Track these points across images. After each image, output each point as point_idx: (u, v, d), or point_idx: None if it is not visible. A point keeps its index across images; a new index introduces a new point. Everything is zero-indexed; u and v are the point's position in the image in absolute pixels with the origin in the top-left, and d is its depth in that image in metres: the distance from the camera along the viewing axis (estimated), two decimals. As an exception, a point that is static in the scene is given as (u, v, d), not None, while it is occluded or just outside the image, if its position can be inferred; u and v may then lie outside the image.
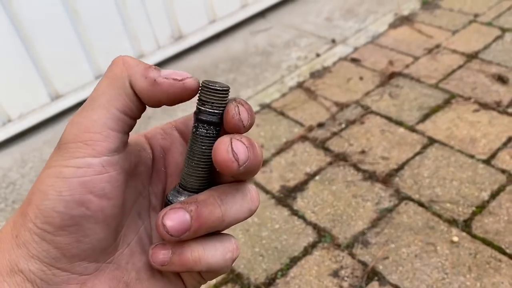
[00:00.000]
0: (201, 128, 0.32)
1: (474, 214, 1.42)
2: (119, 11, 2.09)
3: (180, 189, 0.33)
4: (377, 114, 1.84)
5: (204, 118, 0.32)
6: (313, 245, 1.42)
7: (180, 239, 0.31)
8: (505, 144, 1.61)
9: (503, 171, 1.52)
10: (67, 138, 0.31)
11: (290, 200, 1.56)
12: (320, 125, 1.84)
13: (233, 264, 1.36)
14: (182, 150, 0.37)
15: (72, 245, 0.30)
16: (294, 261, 1.39)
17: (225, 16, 2.46)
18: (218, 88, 0.31)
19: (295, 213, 1.53)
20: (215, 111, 0.32)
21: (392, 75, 2.02)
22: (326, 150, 1.73)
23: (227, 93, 0.32)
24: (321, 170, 1.65)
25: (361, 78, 2.05)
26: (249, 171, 0.31)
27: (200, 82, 0.32)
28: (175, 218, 0.31)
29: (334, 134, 1.79)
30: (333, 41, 2.34)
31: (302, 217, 1.51)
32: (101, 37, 2.08)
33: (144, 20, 2.17)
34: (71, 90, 2.08)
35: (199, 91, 0.32)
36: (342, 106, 1.91)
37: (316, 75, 2.12)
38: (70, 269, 0.31)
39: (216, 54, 2.40)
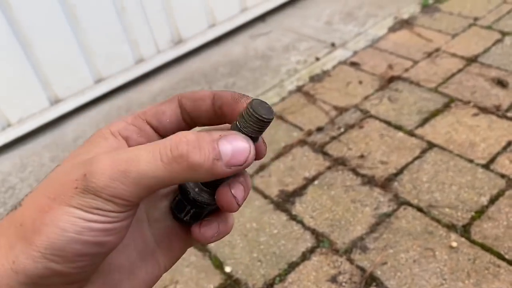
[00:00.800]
0: None
1: (473, 219, 1.42)
2: (118, 16, 2.09)
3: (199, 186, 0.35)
4: (376, 118, 1.84)
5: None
6: (311, 250, 1.42)
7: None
8: (504, 149, 1.61)
9: (503, 176, 1.52)
10: (99, 180, 0.29)
11: (288, 205, 1.56)
12: (319, 129, 1.83)
13: (231, 270, 1.36)
14: None
15: (75, 274, 0.30)
16: (292, 266, 1.39)
17: (224, 20, 2.46)
18: (266, 119, 0.31)
19: (293, 218, 1.52)
20: (257, 136, 0.33)
21: (392, 79, 2.02)
22: (325, 154, 1.72)
23: (269, 124, 0.32)
24: (319, 174, 1.65)
25: (360, 82, 2.05)
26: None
27: (251, 102, 0.32)
28: (239, 190, 0.33)
29: (333, 138, 1.78)
30: (333, 45, 2.34)
31: (300, 222, 1.50)
32: (100, 41, 2.08)
33: (143, 25, 2.18)
34: (71, 94, 2.09)
35: (245, 114, 0.32)
36: (341, 110, 1.91)
37: (315, 79, 2.12)
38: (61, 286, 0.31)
39: (215, 58, 2.40)
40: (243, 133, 0.32)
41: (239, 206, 0.34)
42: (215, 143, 0.30)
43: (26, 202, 0.32)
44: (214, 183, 0.34)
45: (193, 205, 0.35)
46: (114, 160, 0.29)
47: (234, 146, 0.31)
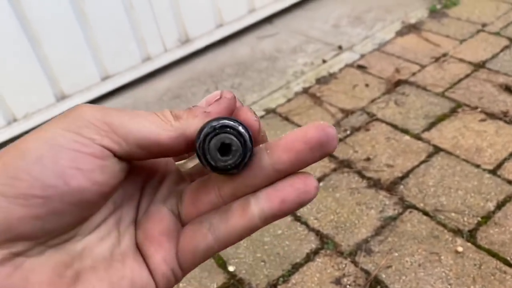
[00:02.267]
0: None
1: (479, 224, 1.41)
2: (127, 14, 2.09)
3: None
4: (382, 121, 1.83)
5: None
6: (315, 252, 1.41)
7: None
8: (511, 155, 1.60)
9: (510, 182, 1.51)
10: (84, 112, 0.27)
11: (293, 206, 1.55)
12: (325, 131, 1.82)
13: (234, 269, 1.35)
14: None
15: (27, 221, 0.26)
16: (296, 267, 1.38)
17: (232, 20, 2.46)
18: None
19: (298, 219, 1.51)
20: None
21: (398, 83, 2.02)
22: (331, 156, 1.71)
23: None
24: (325, 176, 1.64)
25: (367, 85, 2.04)
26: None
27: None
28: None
29: (339, 140, 1.78)
30: (340, 47, 2.33)
31: (305, 223, 1.50)
32: (108, 39, 2.08)
33: (151, 23, 2.18)
34: (77, 91, 2.09)
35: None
36: (347, 113, 1.90)
37: (322, 81, 2.12)
38: (8, 248, 0.26)
39: (222, 58, 2.40)
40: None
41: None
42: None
43: None
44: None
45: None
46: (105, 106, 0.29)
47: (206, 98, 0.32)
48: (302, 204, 0.30)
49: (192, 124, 0.30)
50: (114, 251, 0.31)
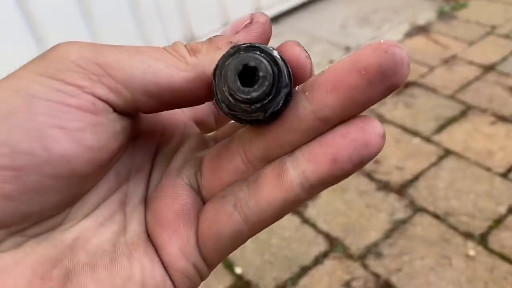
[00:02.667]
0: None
1: (490, 228, 1.38)
2: (132, 12, 2.07)
3: None
4: (391, 123, 1.81)
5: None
6: (324, 255, 1.39)
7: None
8: (523, 158, 1.58)
9: (521, 186, 1.49)
10: (68, 53, 0.21)
11: (301, 208, 1.53)
12: (333, 132, 1.81)
13: (241, 271, 1.33)
14: None
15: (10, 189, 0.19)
16: (304, 270, 1.36)
17: (238, 20, 2.44)
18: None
19: (306, 221, 1.49)
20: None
21: (407, 85, 1.99)
22: (339, 158, 1.69)
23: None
24: (333, 178, 1.62)
25: (375, 87, 2.02)
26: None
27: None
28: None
29: (347, 142, 1.75)
30: (347, 48, 2.31)
31: (313, 226, 1.47)
32: (113, 37, 2.06)
33: (157, 22, 2.16)
34: (82, 89, 2.07)
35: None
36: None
37: (329, 82, 2.10)
38: None
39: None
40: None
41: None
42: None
43: None
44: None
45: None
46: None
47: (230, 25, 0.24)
48: (362, 161, 0.21)
49: (214, 60, 0.22)
50: (117, 242, 0.23)
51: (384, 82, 0.20)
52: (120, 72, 0.20)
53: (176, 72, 0.22)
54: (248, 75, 0.20)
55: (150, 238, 0.24)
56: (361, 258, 1.36)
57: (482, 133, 1.70)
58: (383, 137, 0.22)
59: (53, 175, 0.19)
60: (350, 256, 1.37)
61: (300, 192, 0.22)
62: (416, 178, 1.57)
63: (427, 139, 1.71)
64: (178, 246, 0.24)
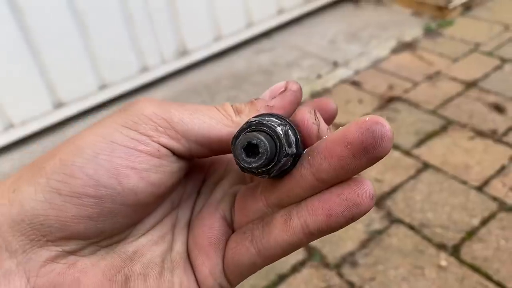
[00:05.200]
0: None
1: (463, 239, 1.43)
2: (126, 25, 2.13)
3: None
4: (373, 136, 1.86)
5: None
6: (302, 263, 1.43)
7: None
8: (498, 172, 1.62)
9: (495, 199, 1.53)
10: (144, 109, 0.27)
11: (282, 217, 1.57)
12: (317, 145, 1.85)
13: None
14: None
15: (80, 220, 0.25)
16: (282, 278, 1.40)
17: (230, 34, 2.50)
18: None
19: (286, 230, 1.53)
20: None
21: (391, 99, 2.05)
22: (321, 169, 1.74)
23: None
24: (314, 189, 1.66)
25: (360, 101, 2.07)
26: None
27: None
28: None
29: (330, 154, 1.80)
30: (335, 63, 2.37)
31: (292, 235, 1.51)
32: (106, 48, 2.12)
33: (150, 35, 2.22)
34: (74, 99, 2.12)
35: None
36: (339, 127, 1.93)
37: (316, 95, 2.15)
38: (63, 245, 0.26)
39: (219, 70, 2.44)
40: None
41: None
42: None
43: None
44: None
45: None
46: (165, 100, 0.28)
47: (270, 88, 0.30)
48: (353, 218, 0.26)
49: None
50: (165, 258, 0.30)
51: (367, 155, 0.25)
52: (182, 126, 0.27)
53: (223, 127, 0.28)
54: (253, 147, 0.26)
55: (189, 258, 0.31)
56: (337, 267, 1.40)
57: (461, 147, 1.75)
58: (373, 198, 0.26)
59: (123, 203, 0.26)
60: (326, 265, 1.41)
61: (302, 236, 0.27)
62: (394, 190, 1.62)
63: (407, 153, 1.76)
64: (209, 268, 0.30)
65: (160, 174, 0.27)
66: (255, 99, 0.29)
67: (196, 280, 0.31)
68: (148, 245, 0.30)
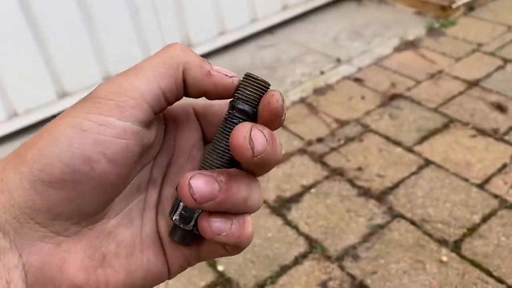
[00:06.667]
0: (234, 117, 0.31)
1: (464, 235, 1.44)
2: (132, 18, 2.14)
3: None
4: (376, 133, 1.88)
5: (240, 107, 0.31)
6: (304, 255, 1.44)
7: (200, 207, 0.30)
8: (499, 170, 1.64)
9: (496, 196, 1.55)
10: (99, 93, 0.29)
11: (284, 210, 1.59)
12: (320, 140, 1.87)
13: (223, 269, 1.38)
14: (194, 128, 0.36)
15: (62, 202, 0.29)
16: (284, 269, 1.41)
17: (234, 29, 2.51)
18: (261, 80, 0.31)
19: (288, 223, 1.55)
20: (252, 101, 0.31)
21: (393, 97, 2.06)
22: (324, 164, 1.75)
23: (268, 88, 0.31)
24: (317, 183, 1.68)
25: (362, 98, 2.09)
26: (264, 165, 0.30)
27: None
28: (203, 183, 0.29)
29: (333, 149, 1.82)
30: (338, 60, 2.38)
31: (295, 228, 1.53)
32: (112, 41, 2.13)
33: (155, 28, 2.23)
34: (79, 89, 2.13)
35: (241, 81, 0.32)
36: (342, 123, 1.94)
37: (319, 91, 2.16)
38: (49, 226, 0.29)
39: (223, 65, 2.42)
40: (245, 103, 0.31)
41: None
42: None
43: None
44: None
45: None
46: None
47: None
48: None
49: (199, 61, 0.32)
50: (135, 239, 0.33)
51: None
52: (135, 91, 0.29)
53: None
54: None
55: (161, 238, 0.34)
56: (339, 260, 1.42)
57: (462, 145, 1.77)
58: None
59: (97, 186, 0.29)
60: (328, 258, 1.43)
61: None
62: (396, 185, 1.63)
63: (409, 149, 1.77)
64: (181, 250, 0.34)
65: (127, 154, 0.29)
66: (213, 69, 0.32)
67: (166, 259, 0.34)
68: (120, 227, 0.33)
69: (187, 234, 0.33)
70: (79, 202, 0.29)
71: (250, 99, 0.31)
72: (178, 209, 0.32)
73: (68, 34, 2.01)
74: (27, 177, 0.28)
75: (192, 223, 0.32)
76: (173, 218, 0.32)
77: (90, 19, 2.03)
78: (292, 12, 2.70)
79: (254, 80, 0.31)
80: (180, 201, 0.32)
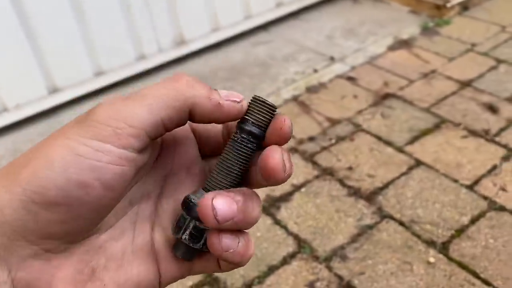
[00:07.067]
0: (243, 138, 0.33)
1: (452, 237, 1.44)
2: (123, 13, 2.12)
3: (205, 192, 0.33)
4: (367, 132, 1.87)
5: (248, 129, 0.32)
6: (292, 255, 1.44)
7: (219, 227, 0.31)
8: (489, 172, 1.64)
9: (485, 198, 1.55)
10: (98, 116, 0.29)
11: (274, 209, 1.58)
12: (311, 139, 1.86)
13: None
14: (192, 144, 0.36)
15: (54, 224, 0.29)
16: (272, 269, 1.41)
17: (228, 25, 2.49)
18: (269, 104, 0.32)
19: (277, 222, 1.54)
20: (261, 124, 0.33)
21: (386, 96, 2.06)
22: (314, 163, 1.75)
23: (275, 112, 0.33)
24: (307, 182, 1.67)
25: (355, 96, 2.08)
26: (282, 183, 0.33)
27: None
28: (224, 204, 0.30)
29: (324, 148, 1.81)
30: (332, 58, 2.38)
31: (284, 227, 1.53)
32: (103, 36, 2.11)
33: (147, 23, 2.21)
34: (69, 85, 2.11)
35: (250, 104, 0.33)
36: (334, 122, 1.94)
37: (311, 90, 2.15)
38: (40, 244, 0.29)
39: (216, 62, 2.44)
40: (254, 125, 0.33)
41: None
42: None
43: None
44: None
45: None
46: (116, 97, 0.31)
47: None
48: None
49: (206, 96, 0.32)
50: (126, 251, 0.33)
51: None
52: (136, 119, 0.29)
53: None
54: None
55: (157, 250, 0.34)
56: (327, 260, 1.42)
57: (453, 146, 1.77)
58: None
59: (90, 209, 0.29)
60: (316, 258, 1.42)
61: None
62: (386, 186, 1.63)
63: (400, 149, 1.77)
64: (176, 264, 0.35)
65: (122, 179, 0.30)
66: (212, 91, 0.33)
67: (159, 272, 0.34)
68: (111, 241, 0.33)
69: (195, 251, 0.34)
70: (71, 223, 0.29)
71: (261, 123, 0.33)
72: (188, 229, 0.32)
73: (60, 29, 1.99)
74: (20, 197, 0.28)
75: (202, 241, 0.33)
76: (182, 238, 0.33)
77: (82, 14, 2.01)
78: (286, 9, 2.69)
79: (263, 103, 0.33)
80: (190, 220, 0.32)
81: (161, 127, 0.31)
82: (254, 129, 0.32)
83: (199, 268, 0.35)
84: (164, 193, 0.36)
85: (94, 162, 0.28)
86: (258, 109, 0.33)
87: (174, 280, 0.35)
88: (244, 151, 0.33)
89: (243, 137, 0.32)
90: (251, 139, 0.33)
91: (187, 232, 0.32)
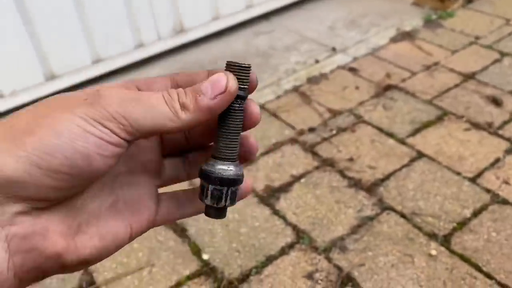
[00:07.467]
0: (235, 103, 0.36)
1: (454, 230, 1.42)
2: (123, 3, 2.09)
3: (217, 160, 0.37)
4: (368, 124, 1.84)
5: (239, 94, 0.36)
6: (290, 246, 1.42)
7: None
8: (492, 165, 1.61)
9: (488, 191, 1.52)
10: (108, 107, 0.32)
11: (273, 199, 1.56)
12: (311, 129, 1.83)
13: (208, 257, 1.35)
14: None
15: (51, 189, 0.31)
16: (270, 259, 1.38)
17: (228, 14, 2.46)
18: (245, 65, 0.36)
19: (276, 213, 1.52)
20: (245, 86, 0.36)
21: (388, 88, 2.03)
22: (314, 154, 1.72)
23: (250, 70, 0.37)
24: (307, 173, 1.65)
25: (357, 88, 2.05)
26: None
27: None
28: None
29: (324, 139, 1.78)
30: (334, 49, 2.34)
31: (283, 218, 1.50)
32: (102, 22, 2.08)
33: (147, 10, 2.18)
34: (67, 72, 2.08)
35: (225, 70, 0.36)
36: (335, 113, 1.91)
37: (313, 80, 2.12)
38: (32, 204, 0.31)
39: (216, 51, 2.40)
40: (241, 89, 0.36)
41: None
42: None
43: (21, 111, 0.32)
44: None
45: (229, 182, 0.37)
46: (125, 92, 0.34)
47: (211, 80, 0.35)
48: None
49: (197, 118, 0.34)
50: (101, 209, 0.37)
51: None
52: (136, 123, 0.33)
53: (169, 122, 0.34)
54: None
55: (132, 205, 0.39)
56: (326, 251, 1.39)
57: (456, 138, 1.74)
58: None
59: (88, 178, 0.32)
60: (315, 249, 1.40)
61: None
62: (387, 177, 1.60)
63: (402, 141, 1.74)
64: (146, 217, 0.39)
65: (116, 158, 0.33)
66: (199, 95, 0.34)
67: (131, 225, 0.38)
68: (88, 200, 0.36)
69: (224, 209, 0.39)
70: (68, 190, 0.32)
71: (242, 85, 0.36)
72: (208, 194, 0.37)
73: (57, 14, 1.96)
74: (24, 161, 0.29)
75: (223, 200, 0.37)
76: (206, 202, 0.38)
77: (82, 5, 1.98)
78: (288, -1, 2.65)
79: (240, 67, 0.36)
80: (208, 185, 0.37)
81: (155, 134, 0.35)
82: (240, 92, 0.36)
83: (160, 220, 0.41)
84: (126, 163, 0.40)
85: (99, 140, 0.31)
86: (237, 73, 0.35)
87: (142, 231, 0.39)
88: (238, 114, 0.37)
89: (235, 103, 0.36)
90: (241, 102, 0.36)
91: (209, 196, 0.37)
